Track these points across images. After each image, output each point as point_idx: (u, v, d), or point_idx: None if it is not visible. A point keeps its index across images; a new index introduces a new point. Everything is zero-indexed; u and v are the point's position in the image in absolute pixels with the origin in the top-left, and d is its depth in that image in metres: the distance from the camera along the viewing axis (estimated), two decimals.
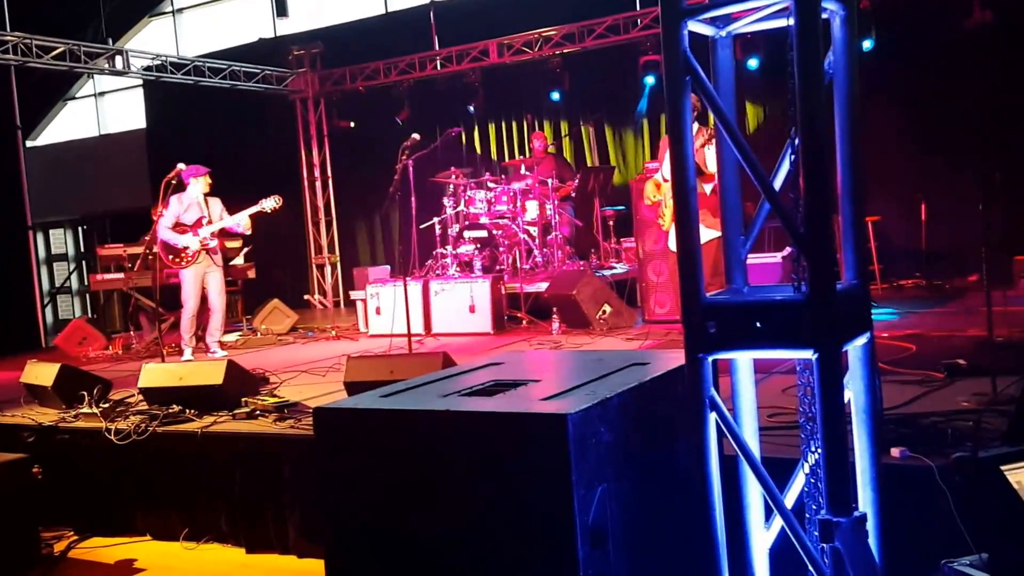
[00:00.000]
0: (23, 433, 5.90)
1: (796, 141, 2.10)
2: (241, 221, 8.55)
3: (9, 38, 10.56)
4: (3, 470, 5.01)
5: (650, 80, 11.29)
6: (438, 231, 10.50)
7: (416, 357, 5.91)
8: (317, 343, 9.58)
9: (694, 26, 2.44)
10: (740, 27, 2.57)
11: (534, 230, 10.36)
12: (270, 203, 8.53)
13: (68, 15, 13.70)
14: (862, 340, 2.50)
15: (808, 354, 2.24)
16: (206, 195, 8.56)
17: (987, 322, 4.56)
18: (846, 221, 2.44)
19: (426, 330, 9.29)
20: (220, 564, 5.04)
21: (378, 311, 9.62)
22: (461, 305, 9.21)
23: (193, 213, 8.45)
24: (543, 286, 9.30)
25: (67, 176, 16.83)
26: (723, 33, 2.58)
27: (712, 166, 5.83)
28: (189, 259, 8.40)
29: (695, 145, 6.45)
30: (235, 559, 5.08)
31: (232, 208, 8.60)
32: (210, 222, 8.46)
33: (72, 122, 18.12)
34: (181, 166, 8.18)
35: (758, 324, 2.25)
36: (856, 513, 2.28)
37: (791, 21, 2.20)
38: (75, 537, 5.62)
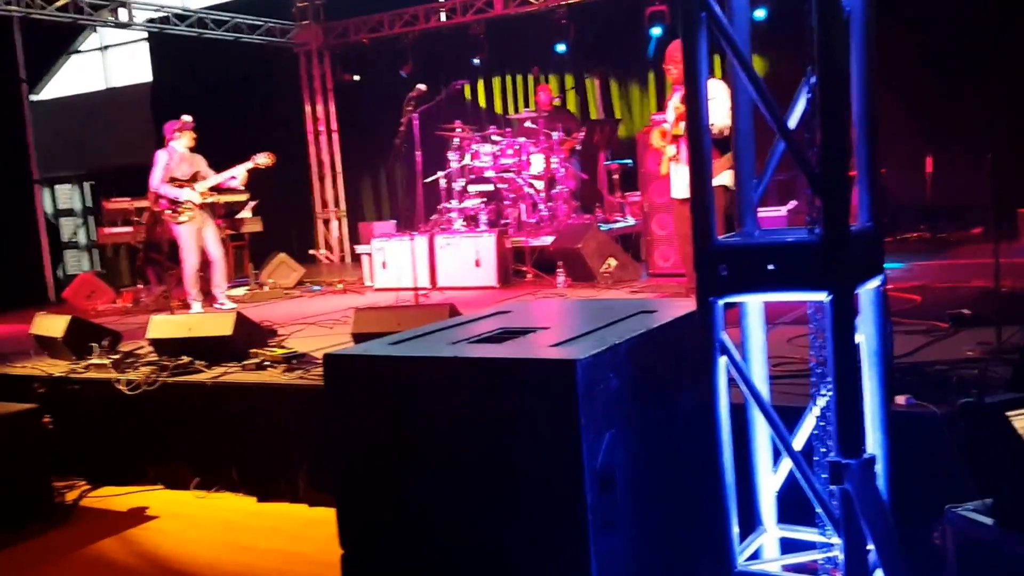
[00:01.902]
0: (34, 384, 5.94)
1: (812, 79, 2.09)
2: (238, 175, 8.52)
3: None
4: (15, 420, 5.06)
5: (656, 31, 11.18)
6: (443, 185, 10.47)
7: (423, 308, 5.93)
8: (324, 297, 9.61)
9: None
10: None
11: (539, 184, 10.32)
12: (263, 159, 8.51)
13: None
14: (874, 283, 2.50)
15: (821, 296, 2.24)
16: (191, 150, 8.51)
17: (993, 273, 4.57)
18: (860, 163, 2.42)
19: (432, 284, 9.31)
20: (231, 513, 5.11)
21: (384, 265, 9.64)
22: (466, 259, 9.22)
23: (185, 168, 8.40)
24: (548, 240, 9.30)
25: (73, 130, 16.75)
26: None
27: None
28: (188, 211, 8.37)
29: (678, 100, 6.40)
30: (246, 508, 5.14)
31: (232, 163, 8.57)
32: (203, 177, 8.43)
33: (77, 76, 18.01)
34: (186, 118, 8.15)
35: (770, 267, 2.25)
36: (865, 455, 2.29)
37: None
38: (87, 487, 5.69)
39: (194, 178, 8.38)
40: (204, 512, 5.15)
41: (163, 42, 14.71)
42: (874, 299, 2.52)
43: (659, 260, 8.69)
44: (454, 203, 10.20)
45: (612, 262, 8.64)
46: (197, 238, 8.47)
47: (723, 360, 2.41)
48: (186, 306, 8.65)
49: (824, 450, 2.45)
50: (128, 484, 5.62)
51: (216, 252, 8.58)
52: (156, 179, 8.29)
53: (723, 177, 5.30)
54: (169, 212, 8.34)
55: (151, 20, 12.33)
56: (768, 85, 2.25)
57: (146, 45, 16.09)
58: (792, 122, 2.35)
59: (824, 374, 2.37)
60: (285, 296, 9.86)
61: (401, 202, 13.64)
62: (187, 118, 8.32)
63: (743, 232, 2.55)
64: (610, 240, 9.07)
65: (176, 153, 8.41)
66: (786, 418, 2.45)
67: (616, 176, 11.23)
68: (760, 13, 10.10)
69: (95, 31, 16.97)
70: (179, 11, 12.74)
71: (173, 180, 8.32)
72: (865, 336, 2.53)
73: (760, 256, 2.28)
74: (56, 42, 16.98)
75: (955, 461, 3.25)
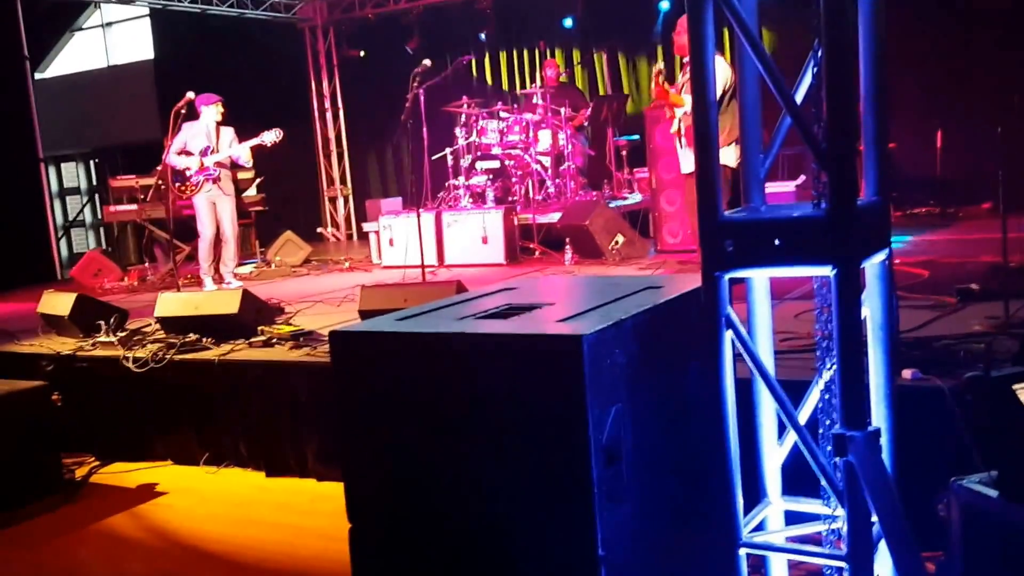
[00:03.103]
0: (42, 362, 5.98)
1: (819, 52, 2.07)
2: (242, 154, 8.51)
3: None
4: (24, 397, 5.10)
5: (664, 5, 11.11)
6: (450, 162, 10.45)
7: (429, 285, 5.94)
8: (331, 274, 9.63)
9: None
10: None
11: (546, 160, 10.30)
12: (271, 136, 8.46)
13: None
14: (880, 257, 2.49)
15: (827, 270, 2.23)
16: (219, 124, 8.52)
17: (1002, 247, 4.55)
18: (868, 136, 2.41)
19: (439, 261, 9.31)
20: (240, 487, 5.15)
21: (391, 242, 9.65)
22: (473, 236, 9.22)
23: (200, 141, 8.42)
24: (556, 217, 9.28)
25: (76, 109, 16.73)
26: None
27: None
28: (194, 188, 8.40)
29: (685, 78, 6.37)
30: (255, 483, 5.19)
31: (242, 140, 8.57)
32: (216, 152, 8.44)
33: (80, 54, 17.97)
34: (190, 95, 8.13)
35: (776, 241, 2.24)
36: (870, 428, 2.29)
37: None
38: (96, 463, 5.74)
39: (204, 152, 8.40)
40: (213, 487, 5.19)
41: (165, 19, 14.66)
42: (880, 273, 2.51)
43: (667, 236, 8.67)
44: (461, 180, 10.19)
45: (620, 239, 8.63)
46: (211, 211, 8.50)
47: (729, 334, 2.41)
48: (194, 283, 8.68)
49: (829, 423, 2.46)
50: (137, 460, 5.67)
51: (228, 230, 8.61)
52: (170, 151, 8.33)
53: (724, 155, 5.25)
54: (178, 185, 8.38)
55: None
56: (776, 61, 2.24)
57: (148, 22, 16.03)
58: (799, 96, 2.33)
59: (829, 348, 2.37)
60: (292, 274, 9.88)
61: (408, 179, 13.61)
62: (191, 94, 8.30)
63: (749, 207, 2.54)
64: (618, 217, 9.05)
65: (197, 126, 8.44)
66: (791, 392, 2.45)
67: (624, 152, 11.20)
68: None
69: (97, 7, 16.90)
70: None
71: (184, 152, 8.38)
72: (871, 310, 2.52)
73: (766, 230, 2.28)
74: (58, 19, 16.93)
75: (960, 434, 3.25)
